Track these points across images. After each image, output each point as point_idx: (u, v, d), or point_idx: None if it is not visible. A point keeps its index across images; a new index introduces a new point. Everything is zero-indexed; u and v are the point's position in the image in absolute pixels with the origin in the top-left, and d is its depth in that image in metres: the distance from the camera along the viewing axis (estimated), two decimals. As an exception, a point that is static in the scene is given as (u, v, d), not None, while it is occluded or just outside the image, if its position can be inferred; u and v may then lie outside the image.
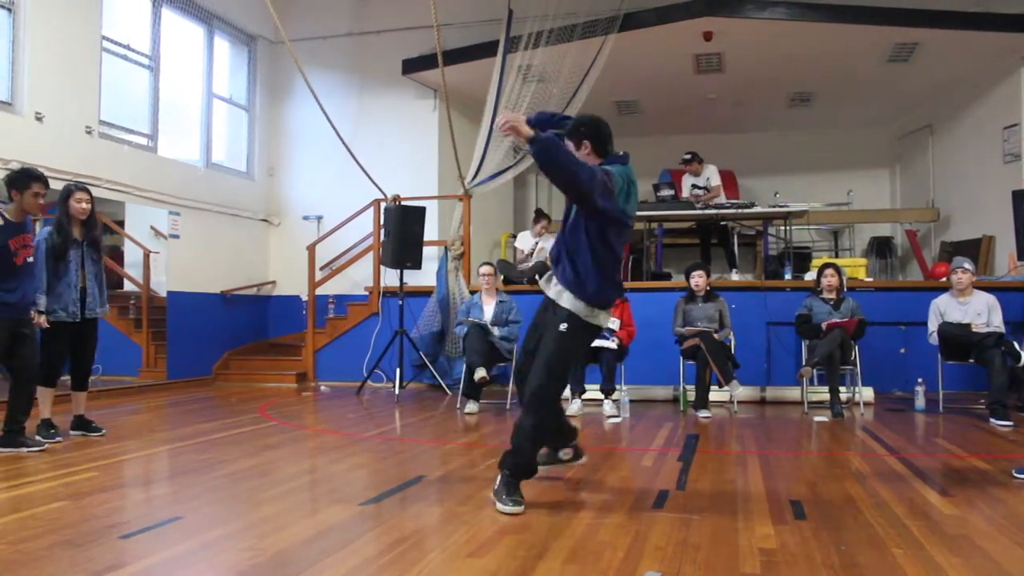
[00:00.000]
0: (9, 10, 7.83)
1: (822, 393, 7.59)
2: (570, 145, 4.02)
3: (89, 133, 8.56)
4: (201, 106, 10.62)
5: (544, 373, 3.94)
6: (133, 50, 9.42)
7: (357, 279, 10.75)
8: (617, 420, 7.03)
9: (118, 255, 10.45)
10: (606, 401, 7.36)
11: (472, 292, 9.06)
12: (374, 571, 2.96)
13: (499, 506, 3.80)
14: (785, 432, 6.52)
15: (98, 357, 6.23)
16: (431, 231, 10.01)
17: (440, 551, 3.21)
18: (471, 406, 7.50)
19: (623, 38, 9.48)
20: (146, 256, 10.22)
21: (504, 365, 8.10)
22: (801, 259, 11.21)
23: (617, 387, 7.48)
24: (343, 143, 9.46)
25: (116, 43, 9.12)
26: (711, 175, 10.21)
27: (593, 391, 7.57)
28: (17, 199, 5.39)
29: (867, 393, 7.81)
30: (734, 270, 10.29)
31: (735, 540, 3.32)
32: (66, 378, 6.20)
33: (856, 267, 9.94)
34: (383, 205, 9.91)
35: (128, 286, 10.60)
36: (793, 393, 7.90)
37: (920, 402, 7.52)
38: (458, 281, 9.62)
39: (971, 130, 11.18)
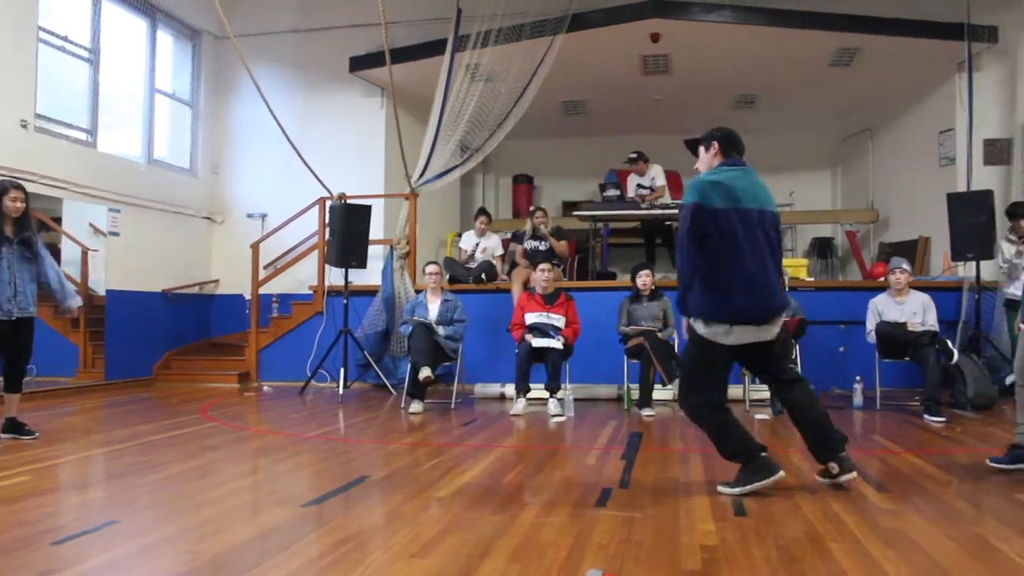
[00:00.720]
0: (-60, -1, 7.63)
1: (763, 391, 7.70)
2: (701, 148, 4.51)
3: (24, 127, 8.35)
4: (143, 101, 10.42)
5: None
6: (72, 42, 9.21)
7: (301, 278, 10.64)
8: (562, 419, 7.05)
9: (55, 253, 10.17)
10: (551, 400, 7.38)
11: (417, 291, 9.03)
12: (316, 573, 2.93)
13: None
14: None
15: (32, 357, 6.08)
16: (377, 230, 9.95)
17: (383, 551, 3.19)
18: (416, 406, 7.47)
19: (571, 38, 9.52)
20: (84, 254, 9.99)
21: (449, 364, 8.08)
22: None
23: (562, 386, 7.51)
24: (288, 140, 9.36)
25: (54, 34, 8.91)
26: (656, 175, 10.29)
27: (538, 390, 7.59)
28: None
29: (807, 391, 7.92)
30: (678, 270, 10.37)
31: (677, 537, 3.35)
32: (-2, 379, 6.05)
33: (798, 267, 10.11)
34: (328, 203, 9.83)
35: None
36: (735, 391, 7.98)
37: (858, 399, 7.69)
38: (403, 280, 9.57)
39: (909, 134, 11.46)
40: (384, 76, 9.50)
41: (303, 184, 9.97)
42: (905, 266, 7.64)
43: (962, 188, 9.39)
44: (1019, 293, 7.97)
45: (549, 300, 7.79)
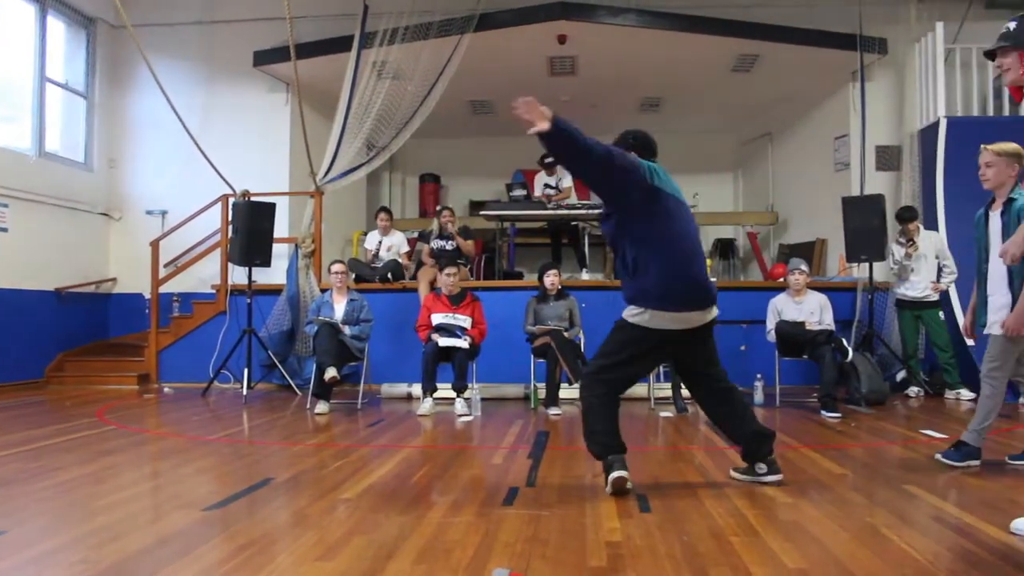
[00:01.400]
0: None
1: (667, 389, 7.86)
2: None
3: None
4: (32, 91, 9.98)
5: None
6: (-47, 28, 8.78)
7: (204, 276, 10.39)
8: (469, 418, 7.05)
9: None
10: (458, 399, 7.38)
11: (323, 290, 8.92)
12: (217, 579, 2.87)
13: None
14: (632, 428, 6.67)
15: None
16: (281, 228, 9.80)
17: (288, 554, 3.14)
18: (321, 406, 7.38)
19: (479, 38, 9.55)
20: (-33, 250, 9.56)
21: (355, 364, 8.01)
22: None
23: (469, 385, 7.52)
24: (189, 135, 9.14)
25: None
26: (564, 176, 10.39)
27: (445, 390, 7.58)
28: None
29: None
30: (584, 270, 10.52)
31: (583, 535, 3.39)
32: None
33: (700, 268, 10.32)
34: (231, 200, 9.62)
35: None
36: (640, 390, 8.12)
37: (759, 396, 7.91)
38: (309, 279, 9.45)
39: (806, 139, 11.85)
40: (289, 71, 9.37)
41: (205, 180, 9.74)
42: (803, 267, 7.90)
43: (856, 192, 9.78)
44: (909, 293, 8.36)
45: (455, 301, 7.79)
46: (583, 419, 4.27)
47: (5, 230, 9.27)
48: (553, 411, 7.37)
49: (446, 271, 7.88)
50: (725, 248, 13.49)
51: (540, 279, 7.98)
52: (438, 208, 10.10)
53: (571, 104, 12.30)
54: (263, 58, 10.61)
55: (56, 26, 10.46)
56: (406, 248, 10.06)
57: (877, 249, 8.50)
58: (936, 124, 9.35)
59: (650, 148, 4.39)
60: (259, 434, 6.46)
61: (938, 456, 4.84)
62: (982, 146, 4.67)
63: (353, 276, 9.02)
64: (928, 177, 9.45)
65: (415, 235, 11.02)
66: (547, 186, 10.41)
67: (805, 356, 7.60)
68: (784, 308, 7.83)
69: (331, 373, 7.24)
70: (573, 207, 10.03)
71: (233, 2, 10.91)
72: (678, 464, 5.02)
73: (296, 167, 10.69)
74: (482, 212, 10.74)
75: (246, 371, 8.63)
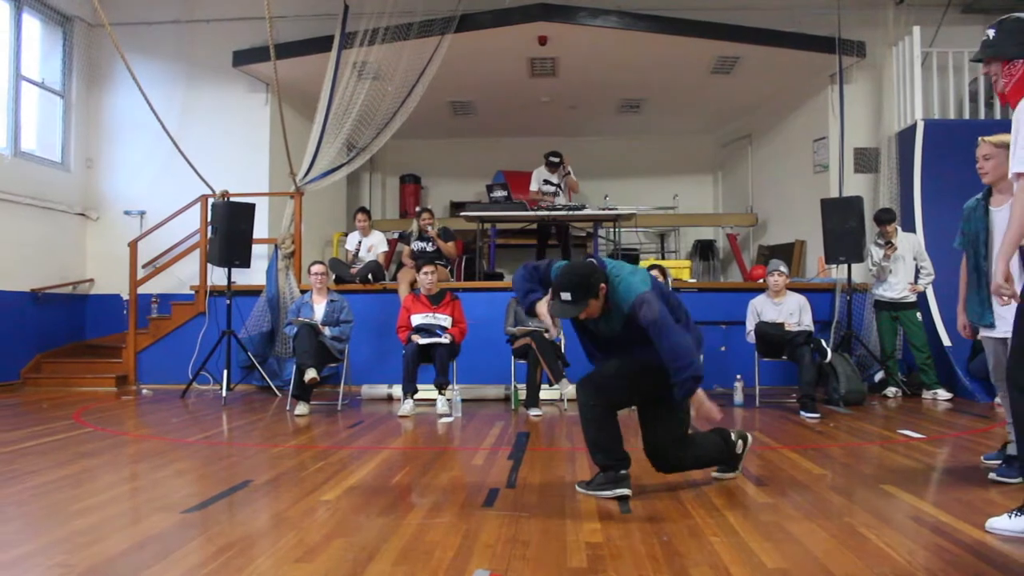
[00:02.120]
0: None
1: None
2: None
3: None
4: (7, 89, 9.86)
5: None
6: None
7: (183, 277, 10.32)
8: (449, 419, 7.04)
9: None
10: (439, 398, 7.37)
11: (303, 291, 8.88)
12: (196, 582, 2.85)
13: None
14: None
15: None
16: (261, 228, 9.74)
17: (268, 557, 3.13)
18: (301, 408, 7.36)
19: (459, 39, 9.55)
20: (-58, 251, 9.45)
21: (335, 366, 7.99)
22: (629, 260, 11.58)
23: (450, 384, 7.51)
24: (168, 135, 9.07)
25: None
26: (569, 172, 10.47)
27: (426, 391, 7.56)
28: None
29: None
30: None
31: (563, 536, 3.39)
32: None
33: (681, 268, 10.41)
34: (211, 201, 9.56)
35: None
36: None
37: (738, 397, 7.96)
38: (288, 280, 9.41)
39: (785, 141, 11.92)
40: (269, 71, 9.32)
41: (184, 181, 9.67)
42: (783, 268, 7.94)
43: (834, 194, 9.86)
44: (887, 294, 8.42)
45: (435, 300, 7.78)
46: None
47: (-20, 230, 9.18)
48: (534, 412, 7.37)
49: (423, 270, 7.87)
50: (705, 249, 13.56)
51: (521, 280, 7.96)
52: (418, 210, 10.08)
53: (551, 105, 12.33)
54: (243, 58, 10.56)
55: (32, 24, 10.35)
56: (385, 248, 10.04)
57: (855, 251, 8.56)
58: (913, 127, 9.42)
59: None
60: (239, 436, 6.42)
61: (992, 475, 4.38)
62: (980, 138, 4.39)
63: (333, 277, 9.00)
64: (906, 179, 9.53)
65: (395, 236, 11.00)
66: (547, 182, 10.43)
67: (784, 357, 7.65)
68: (763, 309, 7.87)
69: (311, 374, 7.21)
70: (553, 208, 10.06)
71: (213, 1, 10.84)
72: (658, 464, 5.03)
73: (276, 167, 10.64)
74: (462, 213, 10.75)
75: (225, 372, 8.58)
